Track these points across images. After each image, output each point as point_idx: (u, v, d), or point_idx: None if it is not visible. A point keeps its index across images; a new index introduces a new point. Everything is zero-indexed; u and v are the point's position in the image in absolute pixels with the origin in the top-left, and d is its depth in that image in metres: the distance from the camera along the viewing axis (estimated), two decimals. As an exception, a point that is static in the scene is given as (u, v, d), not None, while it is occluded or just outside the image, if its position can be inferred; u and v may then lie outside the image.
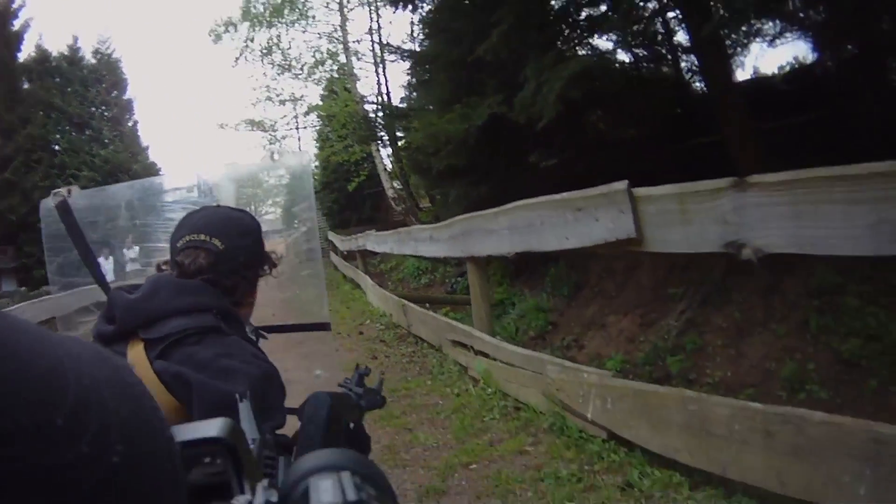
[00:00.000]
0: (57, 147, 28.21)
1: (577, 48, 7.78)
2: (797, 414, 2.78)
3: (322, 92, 25.35)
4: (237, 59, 23.54)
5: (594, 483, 3.67)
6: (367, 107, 19.45)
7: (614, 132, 8.13)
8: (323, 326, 2.56)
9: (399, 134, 16.43)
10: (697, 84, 10.21)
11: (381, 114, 17.43)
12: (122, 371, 0.49)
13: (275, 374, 1.54)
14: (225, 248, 1.67)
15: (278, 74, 24.28)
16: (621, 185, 3.42)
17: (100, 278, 2.19)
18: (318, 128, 27.81)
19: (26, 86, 28.63)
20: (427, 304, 10.73)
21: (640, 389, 3.48)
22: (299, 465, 0.67)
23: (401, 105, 16.39)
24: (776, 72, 12.05)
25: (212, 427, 0.68)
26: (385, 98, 19.80)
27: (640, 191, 3.33)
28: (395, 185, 19.87)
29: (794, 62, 12.25)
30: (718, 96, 7.61)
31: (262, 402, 1.36)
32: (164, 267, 1.74)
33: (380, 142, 18.65)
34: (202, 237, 1.68)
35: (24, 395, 0.37)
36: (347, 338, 8.94)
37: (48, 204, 2.24)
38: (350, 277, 16.92)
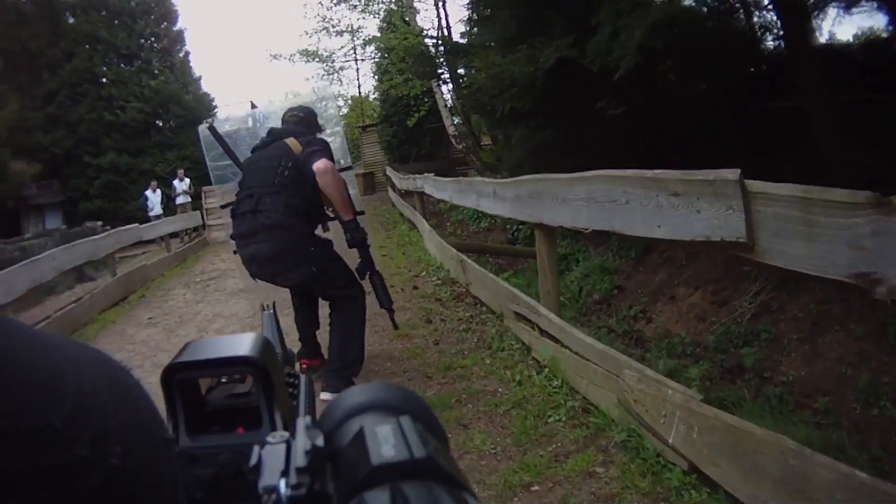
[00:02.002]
0: (104, 80, 28.37)
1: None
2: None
3: (380, 24, 24.73)
4: None
5: (671, 528, 3.14)
6: (426, 41, 18.69)
7: (685, 85, 7.48)
8: (361, 213, 5.24)
9: (460, 72, 15.62)
10: (770, 43, 9.58)
11: (440, 49, 16.57)
12: (121, 374, 0.50)
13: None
14: (304, 114, 5.29)
15: (334, 4, 23.73)
16: (731, 173, 2.68)
17: (235, 157, 5.40)
18: (376, 60, 27.19)
19: (71, 20, 28.79)
20: (487, 256, 10.68)
21: (734, 426, 2.86)
22: (347, 398, 0.60)
23: (461, 41, 15.52)
24: (850, 40, 11.26)
25: (241, 344, 0.65)
26: (445, 33, 19.01)
27: (756, 185, 2.62)
28: (455, 122, 19.31)
29: (868, 33, 11.61)
30: (796, 60, 7.04)
31: (328, 150, 4.88)
32: (286, 118, 5.39)
33: (439, 79, 17.88)
34: (295, 111, 5.33)
35: (23, 397, 0.38)
36: (401, 292, 8.35)
37: (204, 131, 5.92)
38: (408, 217, 16.09)
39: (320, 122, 5.59)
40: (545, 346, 4.98)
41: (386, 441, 0.50)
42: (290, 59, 25.79)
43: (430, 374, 5.35)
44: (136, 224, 15.54)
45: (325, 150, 4.73)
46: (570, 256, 9.08)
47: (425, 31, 20.01)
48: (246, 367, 0.65)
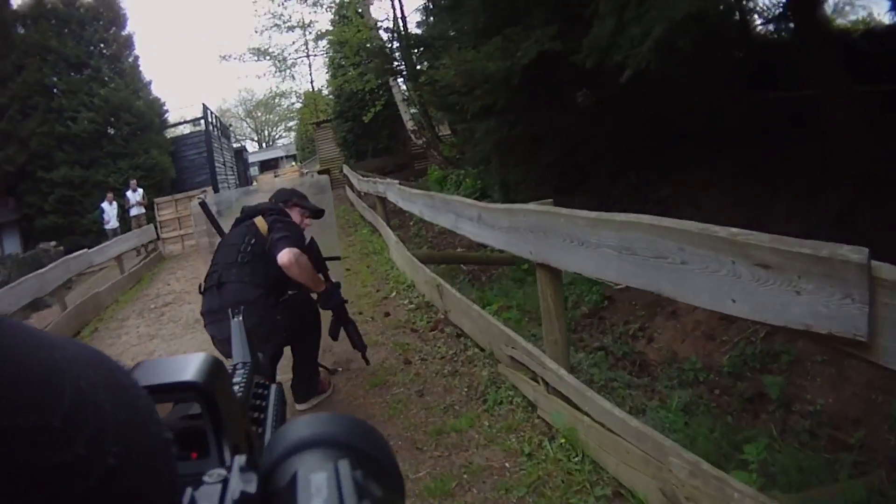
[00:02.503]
0: (55, 91, 27.32)
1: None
2: None
3: (332, 16, 23.95)
4: None
5: None
6: (381, 34, 17.89)
7: (673, 71, 6.81)
8: (336, 258, 5.92)
9: (419, 67, 14.78)
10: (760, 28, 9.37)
11: (397, 44, 15.74)
12: (118, 373, 0.50)
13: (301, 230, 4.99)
14: (275, 195, 5.31)
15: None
16: (855, 253, 1.91)
17: (221, 232, 5.36)
18: (329, 55, 26.75)
19: (21, 31, 27.72)
20: (463, 265, 9.87)
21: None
22: (287, 433, 0.55)
23: (418, 32, 14.90)
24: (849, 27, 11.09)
25: (187, 368, 0.62)
26: (401, 23, 18.15)
27: (885, 270, 1.89)
28: (412, 112, 18.64)
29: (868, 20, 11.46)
30: (806, 46, 6.54)
31: (296, 229, 4.91)
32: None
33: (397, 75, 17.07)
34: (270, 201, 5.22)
35: (20, 396, 0.38)
36: (371, 322, 7.56)
37: (195, 206, 6.22)
38: (369, 220, 15.31)
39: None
40: (558, 414, 4.19)
41: (318, 494, 0.46)
42: (240, 59, 25.12)
43: (419, 442, 4.52)
44: (85, 249, 14.88)
45: (290, 237, 4.66)
46: None
47: (379, 23, 19.19)
48: (190, 394, 0.61)
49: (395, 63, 15.22)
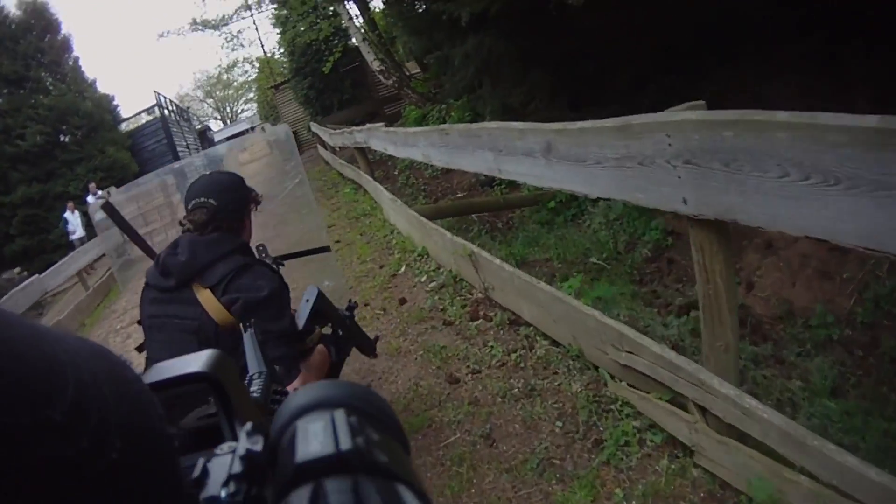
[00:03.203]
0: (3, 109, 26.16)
1: None
2: None
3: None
4: None
5: None
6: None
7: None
8: (324, 249, 3.92)
9: None
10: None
11: None
12: (121, 367, 0.50)
13: (286, 285, 2.74)
14: (218, 204, 2.74)
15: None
16: None
17: (152, 254, 3.35)
18: (274, 11, 24.95)
19: None
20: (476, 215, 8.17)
21: None
22: (289, 402, 0.61)
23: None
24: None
25: (195, 361, 0.67)
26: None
27: None
28: (379, 57, 16.57)
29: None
30: None
31: (280, 301, 2.63)
32: (183, 221, 2.78)
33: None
34: (202, 199, 2.75)
35: (23, 391, 0.38)
36: (384, 314, 5.78)
37: (97, 207, 3.41)
38: (349, 177, 13.70)
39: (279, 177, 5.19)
40: (762, 485, 2.40)
41: (315, 437, 0.51)
42: (179, 34, 23.29)
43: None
44: (36, 275, 14.26)
45: (291, 352, 2.72)
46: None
47: None
48: (200, 383, 0.65)
49: None
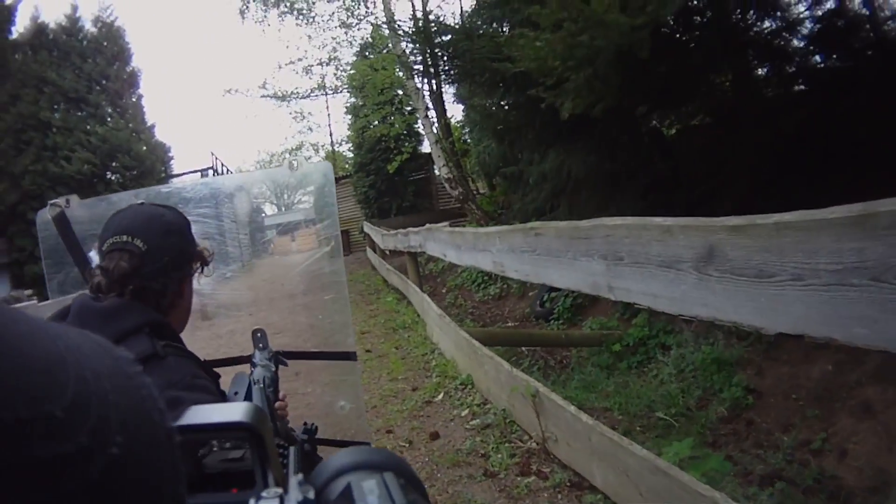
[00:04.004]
0: (53, 126, 25.43)
1: None
2: None
3: (353, 55, 21.71)
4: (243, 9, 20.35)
5: None
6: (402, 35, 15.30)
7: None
8: (348, 356, 2.87)
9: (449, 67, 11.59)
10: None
11: (415, 34, 11.57)
12: (123, 362, 0.50)
13: (215, 392, 1.75)
14: (148, 249, 1.76)
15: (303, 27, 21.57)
16: None
17: (84, 269, 2.55)
18: (349, 92, 24.37)
19: (18, 58, 26.02)
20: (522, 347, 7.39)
21: None
22: (335, 460, 0.68)
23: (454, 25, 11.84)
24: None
25: (237, 411, 0.70)
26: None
27: None
28: (449, 164, 16.04)
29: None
30: None
31: None
32: (92, 273, 1.82)
33: (417, 75, 14.40)
34: (125, 238, 1.76)
35: (23, 386, 0.38)
36: (409, 448, 4.91)
37: (45, 216, 2.59)
38: (394, 285, 13.05)
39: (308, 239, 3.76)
40: None
41: (371, 493, 0.57)
42: (246, 94, 22.95)
43: None
44: (35, 301, 12.86)
45: None
46: (652, 339, 6.37)
47: (399, 22, 15.64)
48: (243, 432, 0.68)
49: (418, 55, 11.34)
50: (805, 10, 7.08)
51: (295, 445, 0.91)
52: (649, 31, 4.63)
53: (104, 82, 27.08)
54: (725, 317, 2.30)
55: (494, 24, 9.45)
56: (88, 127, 25.68)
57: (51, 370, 0.40)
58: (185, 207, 2.76)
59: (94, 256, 2.54)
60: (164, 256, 1.79)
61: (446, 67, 9.58)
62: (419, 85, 15.27)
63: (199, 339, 2.60)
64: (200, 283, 2.14)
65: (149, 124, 29.45)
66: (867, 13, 7.20)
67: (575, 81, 5.18)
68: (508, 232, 4.67)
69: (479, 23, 10.28)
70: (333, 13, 19.55)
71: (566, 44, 4.85)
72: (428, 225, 8.45)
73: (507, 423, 4.83)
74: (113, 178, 25.98)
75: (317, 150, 38.64)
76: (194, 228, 2.26)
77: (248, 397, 1.86)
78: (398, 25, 13.24)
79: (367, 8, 18.91)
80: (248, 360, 2.37)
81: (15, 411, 0.36)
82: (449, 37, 9.16)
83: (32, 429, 0.36)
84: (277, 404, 2.02)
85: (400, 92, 19.44)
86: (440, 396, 5.89)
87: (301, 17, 19.76)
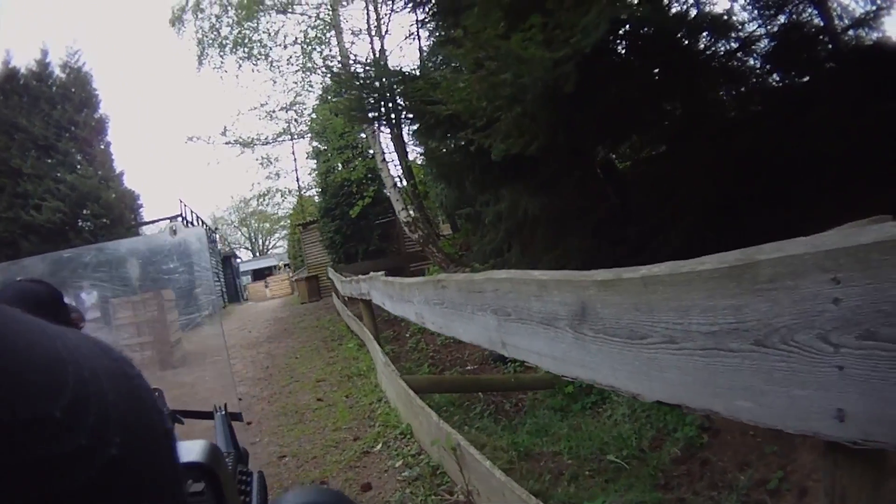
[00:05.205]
0: (24, 173, 25.33)
1: None
2: None
3: (316, 101, 21.78)
4: (200, 56, 20.74)
5: None
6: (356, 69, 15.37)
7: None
8: (236, 417, 2.54)
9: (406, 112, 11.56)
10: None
11: (370, 76, 11.59)
12: (122, 363, 0.50)
13: None
14: None
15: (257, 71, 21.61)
16: None
17: None
18: (311, 139, 24.86)
19: None
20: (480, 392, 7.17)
21: None
22: (290, 499, 0.74)
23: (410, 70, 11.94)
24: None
25: (192, 451, 0.75)
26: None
27: None
28: (408, 208, 16.19)
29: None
30: None
31: None
32: None
33: (376, 122, 14.06)
34: None
35: (22, 387, 0.38)
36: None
37: None
38: (355, 332, 12.77)
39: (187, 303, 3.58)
40: None
41: None
42: (209, 143, 22.82)
43: None
44: None
45: None
46: None
47: (354, 58, 16.41)
48: (197, 473, 0.72)
49: (375, 104, 11.36)
50: (758, 28, 7.03)
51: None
52: (574, 64, 4.50)
53: (73, 129, 27.14)
54: (604, 380, 2.11)
55: (439, 66, 9.45)
56: (58, 174, 25.79)
57: (50, 371, 0.40)
58: (83, 272, 3.23)
59: None
60: None
61: (400, 110, 9.59)
62: (375, 129, 15.38)
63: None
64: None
65: (117, 171, 29.60)
66: (822, 24, 7.15)
67: (504, 122, 5.09)
68: (423, 284, 4.73)
69: (437, 61, 10.31)
70: (290, 58, 19.71)
71: (489, 83, 4.78)
72: (371, 273, 8.30)
73: (435, 475, 4.72)
74: (84, 226, 25.90)
75: (284, 196, 38.59)
76: (93, 292, 2.59)
77: None
78: (351, 69, 13.26)
79: (324, 52, 19.16)
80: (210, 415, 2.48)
81: (14, 412, 0.36)
82: (394, 79, 9.15)
83: (31, 429, 0.37)
84: None
85: (363, 135, 19.40)
86: (378, 446, 5.78)
87: (257, 62, 19.94)
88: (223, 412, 1.60)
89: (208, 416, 2.86)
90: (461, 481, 4.16)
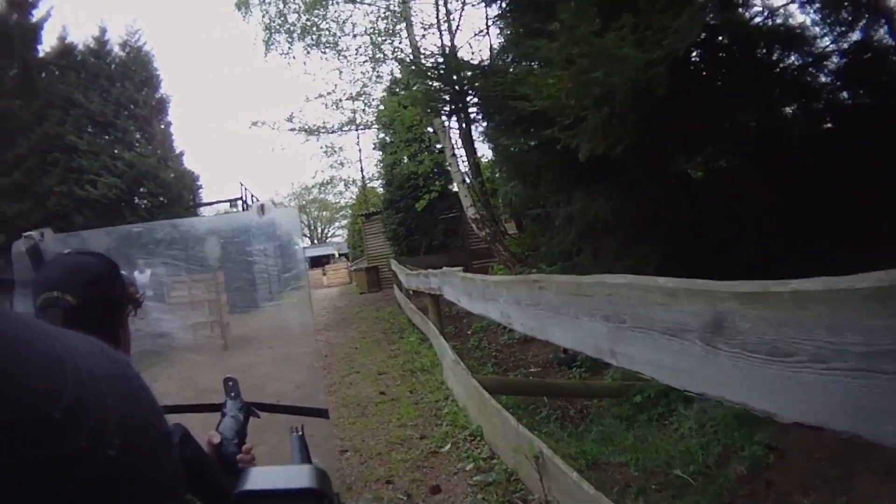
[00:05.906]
0: (78, 148, 25.34)
1: None
2: None
3: (383, 93, 21.61)
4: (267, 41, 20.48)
5: None
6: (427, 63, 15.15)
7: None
8: (320, 413, 2.53)
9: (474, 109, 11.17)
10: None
11: (443, 68, 10.55)
12: (121, 365, 0.51)
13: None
14: (78, 302, 1.67)
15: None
16: None
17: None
18: (378, 130, 24.57)
19: (44, 77, 25.90)
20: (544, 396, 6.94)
21: None
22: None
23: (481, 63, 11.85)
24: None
25: (301, 476, 0.76)
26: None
27: None
28: (476, 204, 15.92)
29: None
30: None
31: None
32: None
33: (444, 114, 13.70)
34: (55, 294, 1.67)
35: (22, 389, 0.38)
36: (406, 502, 4.73)
37: (19, 247, 2.34)
38: (418, 326, 12.62)
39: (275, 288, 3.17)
40: None
41: None
42: (273, 127, 22.75)
43: None
44: None
45: None
46: (674, 391, 5.46)
47: (424, 51, 16.14)
48: (310, 499, 0.73)
49: (451, 98, 10.93)
50: (830, 44, 6.87)
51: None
52: (666, 66, 4.44)
53: (132, 107, 27.38)
54: (734, 397, 1.90)
55: (515, 61, 9.25)
56: (115, 151, 25.87)
57: (49, 372, 0.40)
58: (155, 248, 2.99)
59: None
60: (94, 308, 1.74)
61: (470, 106, 9.40)
62: (446, 123, 15.26)
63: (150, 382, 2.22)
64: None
65: (177, 152, 29.75)
66: (893, 43, 6.95)
67: (592, 121, 4.97)
68: (513, 283, 4.40)
69: (508, 59, 10.08)
70: (360, 48, 19.67)
71: (579, 81, 4.66)
72: (444, 268, 8.22)
73: (511, 481, 4.58)
74: (141, 203, 26.17)
75: (347, 186, 38.50)
76: (163, 269, 2.69)
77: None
78: (422, 61, 13.04)
79: (393, 43, 19.08)
80: (217, 408, 2.29)
81: (14, 413, 0.36)
82: (470, 73, 8.98)
83: (31, 430, 0.37)
84: (240, 457, 1.95)
85: (430, 129, 19.25)
86: (447, 447, 5.64)
87: (326, 50, 19.91)
88: (300, 433, 1.58)
89: (287, 409, 2.61)
90: (539, 491, 4.03)
